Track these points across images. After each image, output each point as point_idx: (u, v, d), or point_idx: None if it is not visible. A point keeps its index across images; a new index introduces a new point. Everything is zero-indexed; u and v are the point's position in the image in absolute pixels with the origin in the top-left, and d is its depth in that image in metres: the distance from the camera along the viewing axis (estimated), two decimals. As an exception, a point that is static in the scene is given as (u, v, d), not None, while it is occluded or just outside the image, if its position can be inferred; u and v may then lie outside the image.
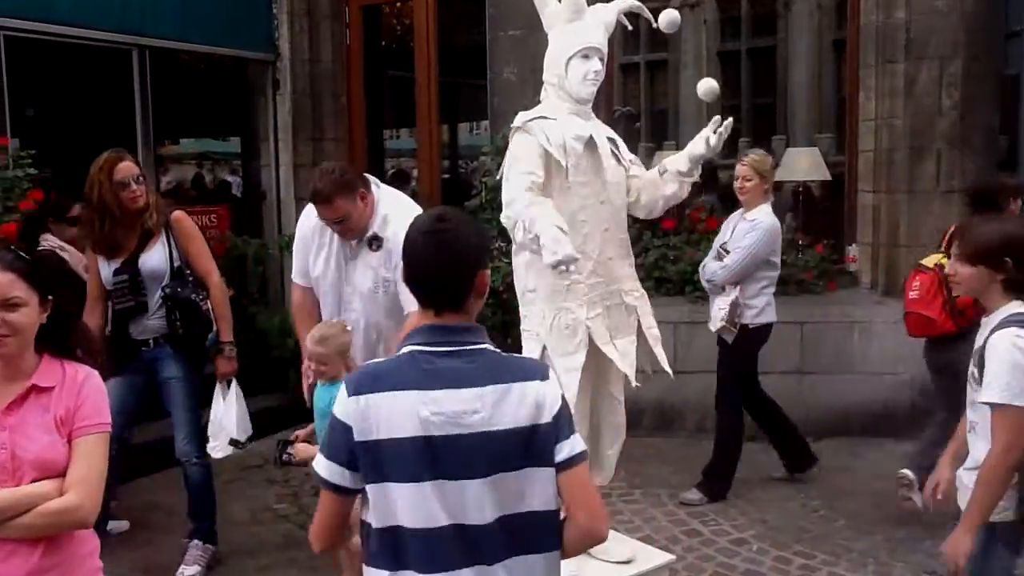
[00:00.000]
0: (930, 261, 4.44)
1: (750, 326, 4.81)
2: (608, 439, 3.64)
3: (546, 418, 1.89)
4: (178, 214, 4.25)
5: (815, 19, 15.88)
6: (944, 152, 5.75)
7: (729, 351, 4.88)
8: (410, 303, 3.65)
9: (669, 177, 3.53)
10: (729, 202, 7.73)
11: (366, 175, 3.86)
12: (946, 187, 5.75)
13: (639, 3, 3.74)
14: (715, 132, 3.40)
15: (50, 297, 2.22)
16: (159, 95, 6.55)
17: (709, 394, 5.81)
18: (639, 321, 3.56)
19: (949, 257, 2.80)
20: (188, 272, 4.17)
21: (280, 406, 6.49)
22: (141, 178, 4.08)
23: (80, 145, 8.09)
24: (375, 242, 3.76)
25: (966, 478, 2.68)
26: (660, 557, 3.67)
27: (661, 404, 5.95)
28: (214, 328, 4.22)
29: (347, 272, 3.87)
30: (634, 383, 3.47)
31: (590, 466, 3.53)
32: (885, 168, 5.90)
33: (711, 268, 4.90)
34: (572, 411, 3.09)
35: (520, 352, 3.45)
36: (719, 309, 4.82)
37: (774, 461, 5.30)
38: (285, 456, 3.79)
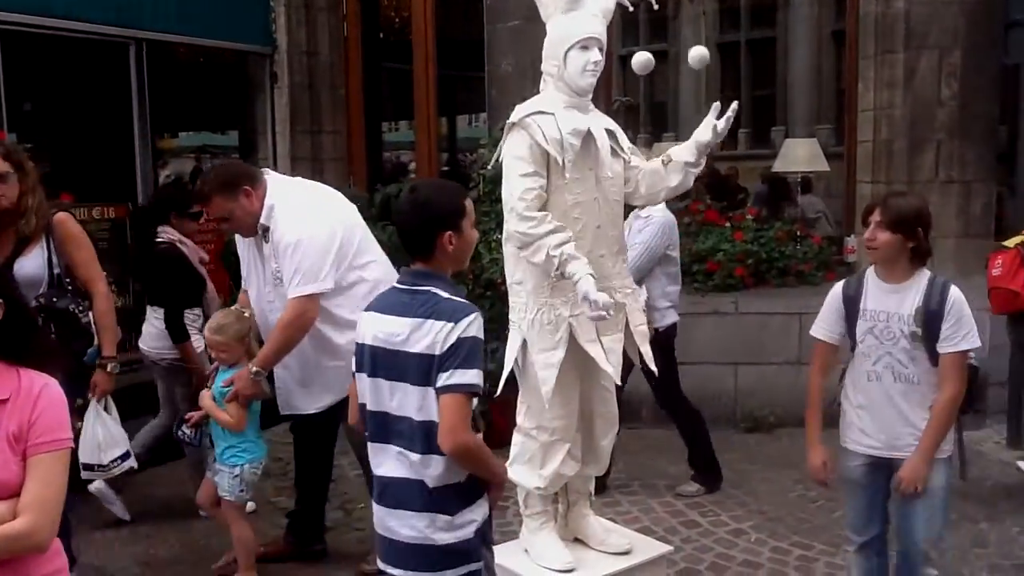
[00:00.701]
0: (1011, 242, 4.65)
1: (659, 329, 4.68)
2: (601, 430, 3.63)
3: (439, 351, 2.40)
4: (60, 216, 3.77)
5: (814, 10, 15.87)
6: (943, 143, 5.74)
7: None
8: (291, 291, 3.71)
9: (674, 167, 3.49)
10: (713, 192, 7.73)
11: (257, 169, 3.92)
12: (945, 177, 5.74)
13: None
14: (722, 118, 3.38)
15: (1, 300, 2.03)
16: (156, 88, 6.54)
17: (708, 386, 5.84)
18: (627, 319, 3.55)
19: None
20: (68, 280, 3.74)
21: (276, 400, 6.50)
22: (12, 176, 3.56)
23: (78, 139, 8.13)
24: (266, 233, 3.80)
25: (923, 425, 3.02)
26: (658, 548, 3.67)
27: (660, 396, 5.94)
28: (95, 343, 3.85)
29: (263, 270, 3.91)
30: (617, 381, 3.46)
31: (584, 457, 3.61)
32: (884, 159, 5.89)
33: None
34: (545, 404, 3.33)
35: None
36: None
37: (773, 453, 5.31)
38: (180, 433, 3.96)
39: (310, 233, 3.73)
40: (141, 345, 4.78)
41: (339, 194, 4.11)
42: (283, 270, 3.75)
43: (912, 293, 3.03)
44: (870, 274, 3.16)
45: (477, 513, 2.55)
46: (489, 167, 4.44)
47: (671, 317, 4.83)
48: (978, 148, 5.79)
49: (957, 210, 5.75)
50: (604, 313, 3.00)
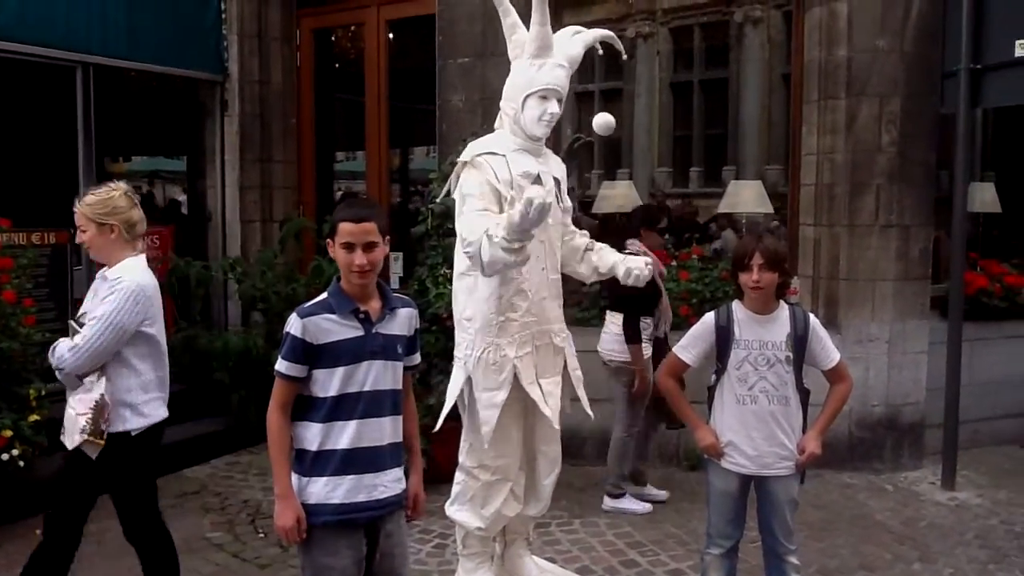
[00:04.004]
0: None
1: (132, 433, 3.34)
2: (544, 469, 3.63)
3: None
4: None
5: (766, 52, 16.18)
6: (883, 187, 5.85)
7: (94, 470, 3.33)
8: None
9: (587, 264, 3.69)
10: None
11: None
12: (885, 221, 5.85)
13: (611, 34, 3.78)
14: (633, 276, 3.61)
15: None
16: (105, 113, 6.46)
17: (652, 423, 5.84)
18: (565, 362, 3.58)
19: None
20: None
21: (221, 430, 6.41)
22: None
23: (19, 162, 7.98)
24: None
25: (789, 443, 3.36)
26: (596, 588, 3.67)
27: (604, 433, 5.93)
28: None
29: None
30: (556, 425, 3.47)
31: (525, 497, 3.60)
32: (826, 202, 5.98)
33: (59, 349, 3.32)
34: (485, 444, 3.39)
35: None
36: (79, 415, 3.29)
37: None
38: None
39: None
40: (598, 347, 5.16)
41: None
42: None
43: (781, 322, 3.37)
44: (737, 306, 3.41)
45: (305, 484, 2.73)
46: (438, 200, 4.46)
47: (153, 415, 3.41)
48: (916, 193, 5.92)
49: (896, 254, 5.86)
50: (545, 196, 2.91)
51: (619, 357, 5.05)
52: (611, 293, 5.22)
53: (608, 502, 5.21)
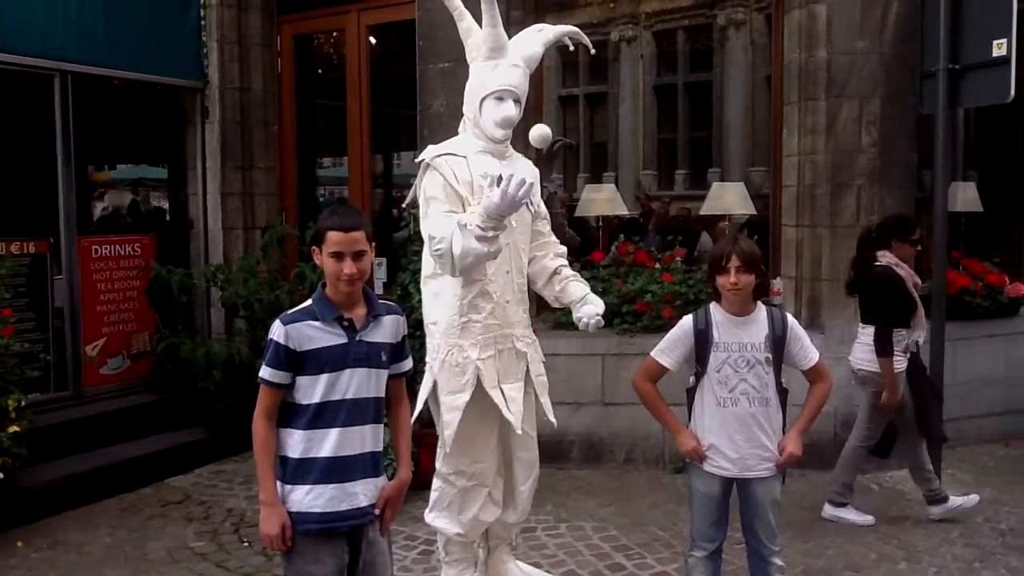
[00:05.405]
0: None
1: None
2: (521, 475, 3.62)
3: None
4: None
5: (748, 55, 16.30)
6: (864, 188, 5.88)
7: None
8: None
9: (551, 290, 3.64)
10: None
11: None
12: (866, 222, 5.85)
13: (576, 29, 3.77)
14: (582, 324, 3.51)
15: None
16: (85, 121, 6.41)
17: (638, 426, 5.85)
18: (528, 367, 3.56)
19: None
20: None
21: (205, 439, 6.36)
22: None
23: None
24: None
25: (771, 444, 3.35)
26: (580, 593, 3.65)
27: (589, 436, 5.94)
28: None
29: None
30: (518, 430, 3.45)
31: (504, 502, 3.58)
32: (807, 203, 6.00)
33: None
34: (446, 448, 3.39)
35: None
36: None
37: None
38: None
39: None
40: (849, 357, 5.07)
41: None
42: None
43: (759, 323, 3.36)
44: (715, 309, 3.40)
45: (287, 492, 2.72)
46: (405, 203, 4.46)
47: None
48: (898, 193, 5.94)
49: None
50: (520, 183, 2.98)
51: (868, 367, 4.90)
52: (864, 304, 5.09)
53: (828, 509, 5.07)
